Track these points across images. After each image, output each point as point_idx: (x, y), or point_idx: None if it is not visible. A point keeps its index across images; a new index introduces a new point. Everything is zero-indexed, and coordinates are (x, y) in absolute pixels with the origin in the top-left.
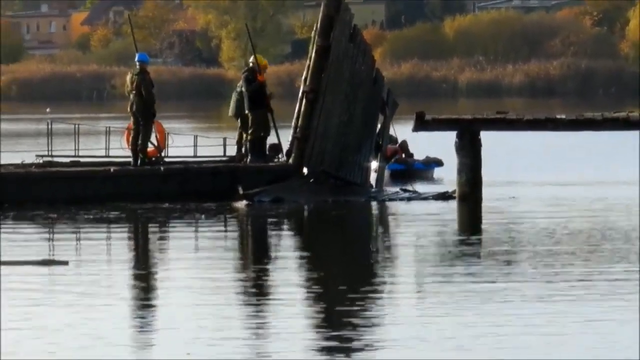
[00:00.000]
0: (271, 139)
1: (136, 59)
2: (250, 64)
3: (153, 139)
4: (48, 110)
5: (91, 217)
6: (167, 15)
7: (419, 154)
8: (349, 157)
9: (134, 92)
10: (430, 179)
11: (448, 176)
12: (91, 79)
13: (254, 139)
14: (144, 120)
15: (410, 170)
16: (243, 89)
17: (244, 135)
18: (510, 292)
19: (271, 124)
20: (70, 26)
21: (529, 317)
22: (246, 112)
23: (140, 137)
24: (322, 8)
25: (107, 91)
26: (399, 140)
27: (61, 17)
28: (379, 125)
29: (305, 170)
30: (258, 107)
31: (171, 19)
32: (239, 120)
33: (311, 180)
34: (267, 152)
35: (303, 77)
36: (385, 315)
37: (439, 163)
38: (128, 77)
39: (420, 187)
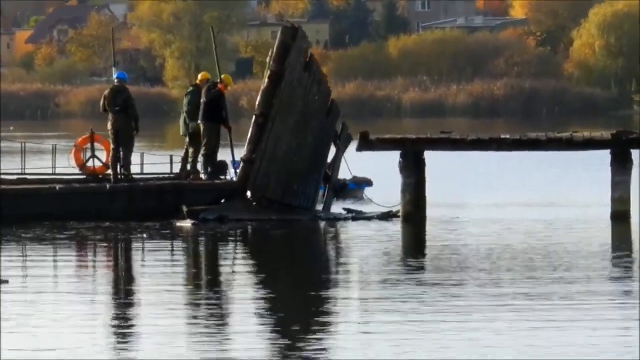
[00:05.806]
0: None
1: (115, 75)
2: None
3: (103, 156)
4: (12, 128)
5: (30, 235)
6: (111, 34)
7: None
8: (295, 184)
9: (117, 107)
10: (360, 199)
11: (377, 196)
12: (35, 97)
13: (208, 154)
14: (126, 137)
15: (342, 190)
16: (202, 99)
17: (190, 151)
18: (454, 314)
19: (226, 142)
20: (14, 44)
21: (474, 339)
22: (199, 121)
23: (123, 153)
24: (278, 34)
25: (51, 109)
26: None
27: (5, 35)
28: (330, 157)
29: (248, 193)
30: (212, 119)
31: (115, 37)
32: (186, 138)
33: (254, 204)
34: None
35: (257, 102)
36: (331, 337)
37: (368, 183)
38: (107, 93)
39: (363, 207)
